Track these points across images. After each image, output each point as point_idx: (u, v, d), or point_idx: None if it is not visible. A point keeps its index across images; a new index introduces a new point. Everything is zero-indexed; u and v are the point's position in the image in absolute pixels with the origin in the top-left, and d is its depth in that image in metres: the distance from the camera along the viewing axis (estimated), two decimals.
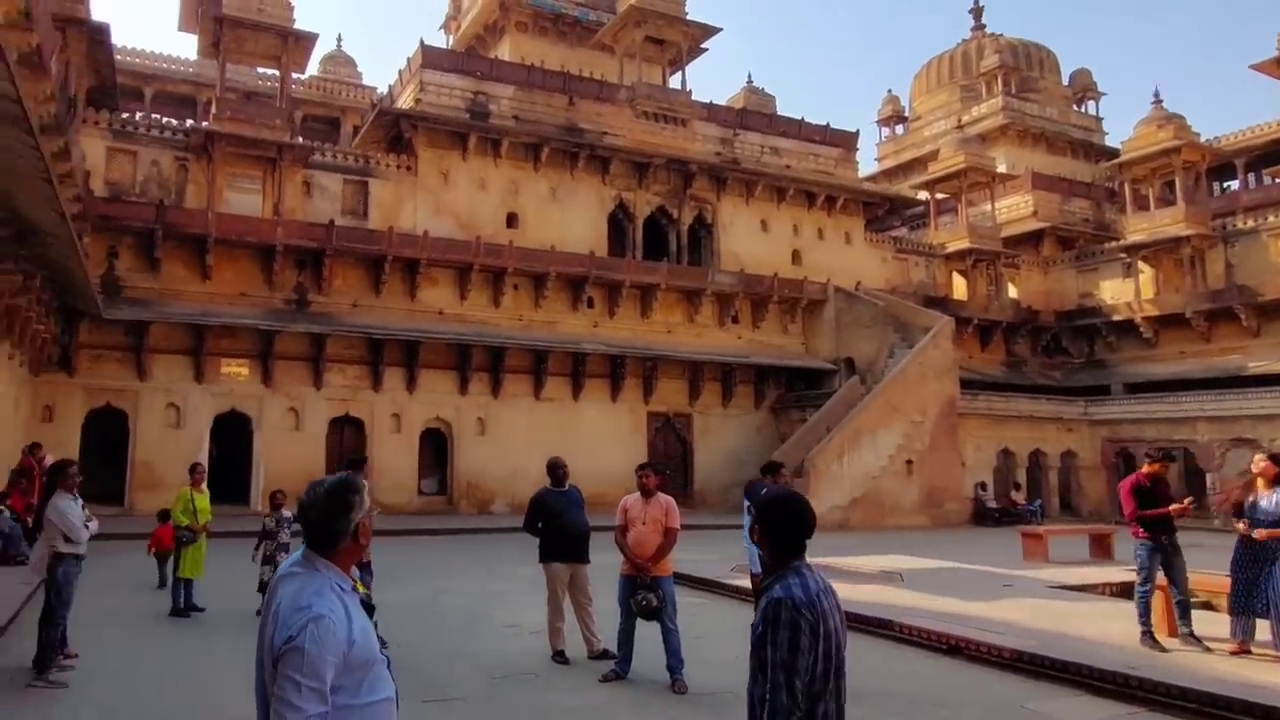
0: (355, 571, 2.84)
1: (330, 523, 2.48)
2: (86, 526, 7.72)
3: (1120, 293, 34.08)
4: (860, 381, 28.96)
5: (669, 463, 28.05)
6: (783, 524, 2.90)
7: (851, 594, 10.51)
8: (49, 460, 15.81)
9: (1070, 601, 11.34)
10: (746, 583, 8.70)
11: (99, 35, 20.51)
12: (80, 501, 7.76)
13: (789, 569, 2.84)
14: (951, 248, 36.02)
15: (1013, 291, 37.16)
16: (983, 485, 28.64)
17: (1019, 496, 28.95)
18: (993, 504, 28.13)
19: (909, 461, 27.06)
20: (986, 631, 8.84)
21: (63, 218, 13.63)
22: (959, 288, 36.31)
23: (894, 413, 27.04)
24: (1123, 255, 34.16)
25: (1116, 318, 33.37)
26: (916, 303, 32.20)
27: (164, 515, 13.78)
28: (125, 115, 24.53)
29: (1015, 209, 39.20)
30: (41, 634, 7.42)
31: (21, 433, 18.94)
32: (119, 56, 28.94)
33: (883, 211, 37.01)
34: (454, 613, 10.75)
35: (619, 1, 32.97)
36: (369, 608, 2.64)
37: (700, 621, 9.51)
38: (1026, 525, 21.49)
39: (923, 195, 38.37)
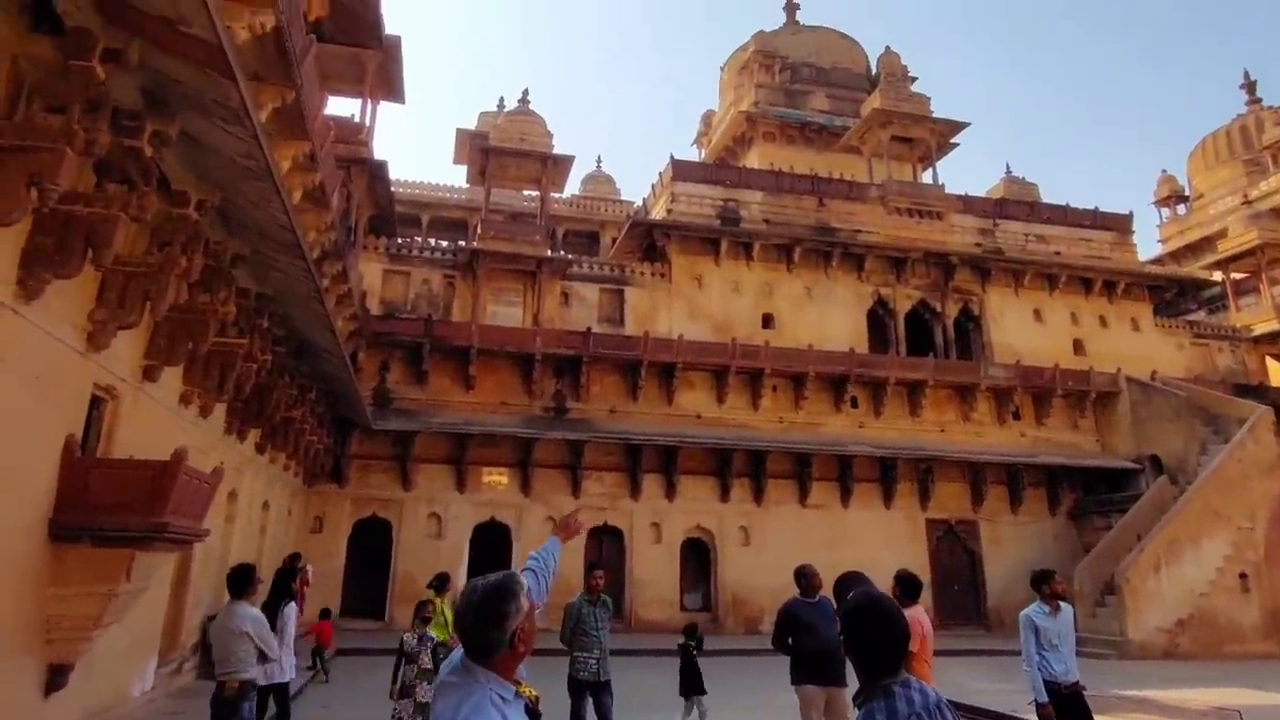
0: (522, 671, 2.26)
1: (484, 633, 2.15)
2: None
3: None
4: (1170, 481, 23.00)
5: (955, 578, 23.35)
6: (871, 636, 2.25)
7: None
8: (310, 571, 14.26)
9: None
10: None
11: (379, 172, 20.58)
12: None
13: (877, 692, 2.19)
14: (1259, 330, 29.29)
15: None
16: None
17: None
18: None
19: (1242, 575, 20.91)
20: None
21: (334, 335, 12.89)
22: (1275, 373, 29.19)
23: (1215, 518, 21.11)
24: None
25: None
26: (1225, 391, 25.72)
27: (325, 613, 13.92)
28: (400, 240, 24.00)
29: None
30: None
31: (292, 543, 17.52)
32: (400, 189, 29.45)
33: (1172, 295, 30.82)
34: None
35: (864, 105, 30.27)
36: (534, 715, 2.27)
37: None
38: None
39: (1217, 276, 31.91)
